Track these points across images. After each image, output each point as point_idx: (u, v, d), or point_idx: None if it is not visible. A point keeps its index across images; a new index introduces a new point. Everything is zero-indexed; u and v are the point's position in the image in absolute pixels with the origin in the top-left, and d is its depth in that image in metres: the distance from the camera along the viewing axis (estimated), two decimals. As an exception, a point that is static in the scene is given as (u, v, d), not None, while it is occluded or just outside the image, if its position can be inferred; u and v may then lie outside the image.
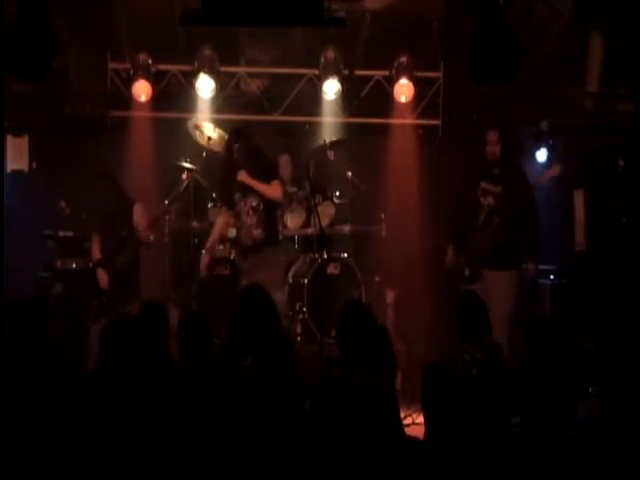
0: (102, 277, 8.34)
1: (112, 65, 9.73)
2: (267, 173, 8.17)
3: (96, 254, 8.45)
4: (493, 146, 8.22)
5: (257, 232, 8.16)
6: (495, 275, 8.08)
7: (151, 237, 8.43)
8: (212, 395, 5.21)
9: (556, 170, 8.28)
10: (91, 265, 8.49)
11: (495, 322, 6.76)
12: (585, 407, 5.40)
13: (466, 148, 9.27)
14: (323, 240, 8.41)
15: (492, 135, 8.24)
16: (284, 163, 9.67)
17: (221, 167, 8.51)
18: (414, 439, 5.32)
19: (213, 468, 4.94)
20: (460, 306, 6.50)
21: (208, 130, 9.38)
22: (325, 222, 8.60)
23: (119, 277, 8.36)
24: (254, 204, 8.20)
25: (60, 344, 6.98)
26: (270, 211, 8.26)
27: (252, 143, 8.25)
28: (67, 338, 8.30)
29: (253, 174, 8.09)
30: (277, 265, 8.33)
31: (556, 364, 5.79)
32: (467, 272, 8.24)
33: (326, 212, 9.26)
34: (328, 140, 9.42)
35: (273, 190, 8.11)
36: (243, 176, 8.11)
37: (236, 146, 8.17)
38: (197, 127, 9.44)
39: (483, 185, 8.25)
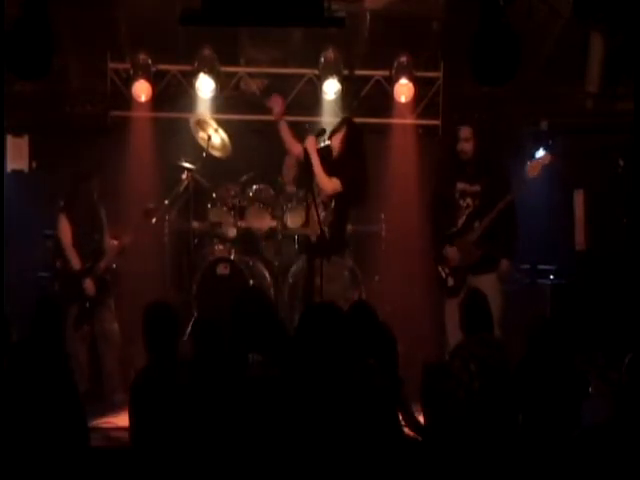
0: (89, 286, 8.38)
1: (112, 65, 9.73)
2: (332, 168, 7.89)
3: (75, 261, 8.43)
4: (465, 143, 7.98)
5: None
6: (478, 280, 7.85)
7: (125, 242, 8.48)
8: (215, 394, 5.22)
9: (546, 159, 7.96)
10: (79, 268, 8.44)
11: None
12: (587, 407, 5.41)
13: (440, 146, 9.23)
14: (323, 240, 8.38)
15: (464, 132, 8.01)
16: (289, 163, 9.60)
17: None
18: (414, 439, 5.33)
19: (220, 466, 4.94)
20: (463, 303, 6.53)
21: (210, 129, 9.36)
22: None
23: (100, 283, 8.42)
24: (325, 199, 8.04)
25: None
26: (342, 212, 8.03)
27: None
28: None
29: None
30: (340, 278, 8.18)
31: (556, 364, 5.79)
32: (451, 282, 8.03)
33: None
34: (328, 142, 9.42)
35: (329, 182, 7.83)
36: (310, 143, 7.91)
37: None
38: (199, 123, 9.43)
39: (460, 186, 8.05)
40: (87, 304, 8.39)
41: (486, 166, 8.07)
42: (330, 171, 7.93)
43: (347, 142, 8.09)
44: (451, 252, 8.06)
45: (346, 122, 8.26)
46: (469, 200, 8.02)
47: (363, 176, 8.08)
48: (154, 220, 8.64)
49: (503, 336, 7.44)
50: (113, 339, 8.52)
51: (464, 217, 8.04)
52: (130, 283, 8.76)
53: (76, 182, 8.56)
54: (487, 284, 7.70)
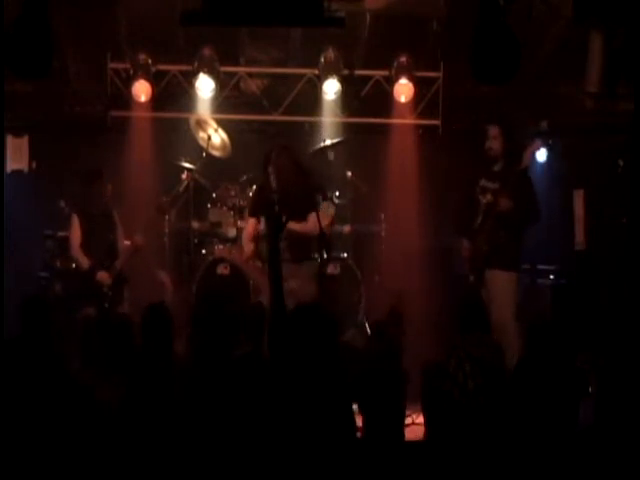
0: (104, 277, 8.35)
1: (112, 65, 9.73)
2: (302, 208, 7.86)
3: (82, 260, 8.46)
4: (492, 142, 8.04)
5: None
6: (493, 274, 7.90)
7: (138, 242, 8.47)
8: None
9: (537, 145, 8.18)
10: (88, 266, 8.46)
11: (498, 325, 6.74)
12: (587, 407, 5.40)
13: (467, 145, 9.22)
14: (323, 240, 8.37)
15: (492, 130, 8.08)
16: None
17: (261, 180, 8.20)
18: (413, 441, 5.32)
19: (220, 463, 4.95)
20: (460, 303, 6.55)
21: (210, 129, 9.37)
22: (325, 222, 8.57)
23: (117, 283, 8.41)
24: None
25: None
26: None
27: (287, 170, 7.92)
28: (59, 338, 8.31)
29: (286, 210, 7.71)
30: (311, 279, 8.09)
31: (554, 365, 5.78)
32: (472, 278, 8.08)
33: (326, 212, 9.23)
34: (328, 142, 9.44)
35: (309, 227, 7.82)
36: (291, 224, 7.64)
37: (271, 170, 7.90)
38: (199, 123, 9.42)
39: (482, 183, 8.09)
40: (106, 304, 8.36)
41: (511, 165, 8.07)
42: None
43: (281, 177, 7.95)
44: (465, 246, 8.16)
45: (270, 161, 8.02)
46: (489, 196, 8.07)
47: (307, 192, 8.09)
48: (167, 217, 8.68)
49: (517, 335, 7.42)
50: None
51: (482, 212, 8.10)
52: (130, 283, 8.74)
53: (88, 182, 8.56)
54: (503, 280, 7.84)
